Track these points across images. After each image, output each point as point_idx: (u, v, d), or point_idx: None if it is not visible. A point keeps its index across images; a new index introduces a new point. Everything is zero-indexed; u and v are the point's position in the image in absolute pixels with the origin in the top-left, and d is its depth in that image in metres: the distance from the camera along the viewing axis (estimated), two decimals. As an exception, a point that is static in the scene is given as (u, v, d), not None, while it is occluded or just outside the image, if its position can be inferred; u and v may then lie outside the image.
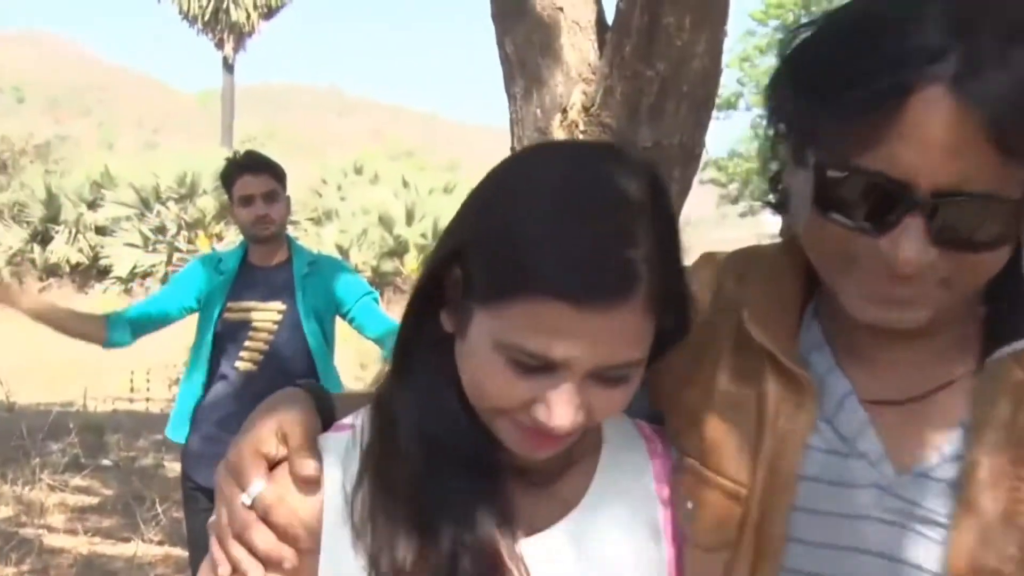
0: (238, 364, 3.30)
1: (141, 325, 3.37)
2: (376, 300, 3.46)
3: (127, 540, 5.45)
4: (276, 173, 3.38)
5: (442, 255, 0.96)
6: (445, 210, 24.68)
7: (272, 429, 1.00)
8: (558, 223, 0.85)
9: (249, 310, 3.31)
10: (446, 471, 0.94)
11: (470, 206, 0.97)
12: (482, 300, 0.89)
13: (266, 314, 3.31)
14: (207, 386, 3.37)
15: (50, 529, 5.64)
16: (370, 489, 0.95)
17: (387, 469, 0.96)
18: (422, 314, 0.97)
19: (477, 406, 0.93)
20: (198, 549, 3.36)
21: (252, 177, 3.31)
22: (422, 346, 0.98)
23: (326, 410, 1.04)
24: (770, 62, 23.69)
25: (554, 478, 1.01)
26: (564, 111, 2.51)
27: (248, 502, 0.96)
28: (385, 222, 24.07)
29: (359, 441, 0.99)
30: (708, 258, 1.14)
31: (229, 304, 3.32)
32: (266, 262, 3.39)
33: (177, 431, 3.42)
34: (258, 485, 0.96)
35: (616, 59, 2.41)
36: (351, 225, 23.87)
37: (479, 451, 0.95)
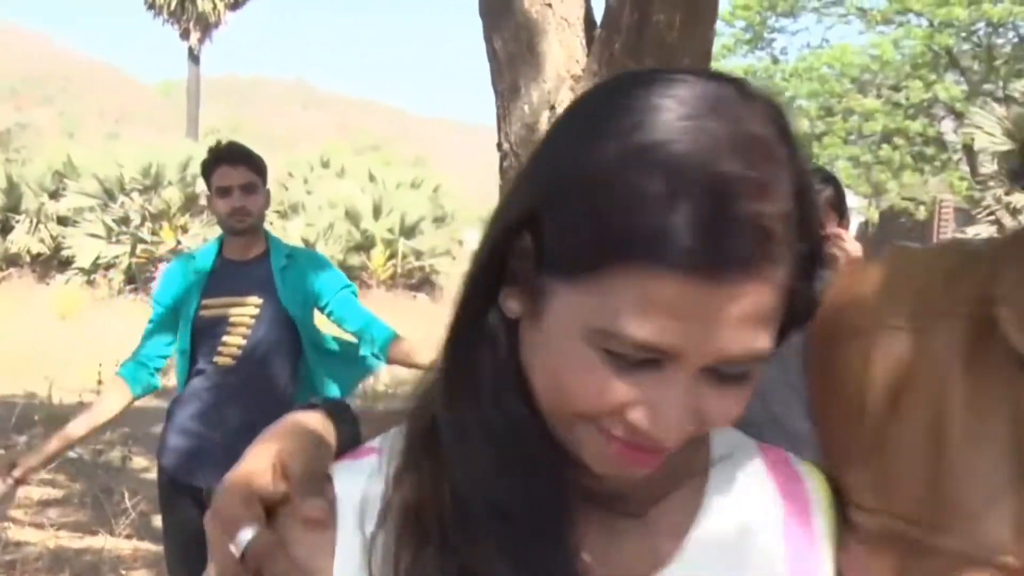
0: (216, 359, 3.25)
1: (155, 359, 3.32)
2: (354, 293, 3.43)
3: (95, 534, 5.38)
4: (256, 165, 3.33)
5: (508, 220, 0.74)
6: (412, 205, 24.65)
7: (268, 462, 0.81)
8: (677, 170, 0.65)
9: (226, 305, 3.26)
10: (510, 504, 0.73)
11: (548, 153, 0.74)
12: (566, 273, 0.69)
13: (243, 309, 3.26)
14: (185, 382, 3.33)
15: (15, 522, 5.56)
16: (395, 531, 0.75)
17: (420, 505, 0.75)
18: (482, 298, 0.77)
19: (553, 411, 0.73)
20: (173, 543, 3.33)
21: (230, 168, 3.25)
22: (482, 340, 0.76)
23: (348, 432, 0.85)
24: (737, 61, 23.84)
25: (649, 508, 0.78)
26: (552, 108, 2.51)
27: (237, 553, 0.76)
28: (352, 216, 23.97)
29: (385, 470, 0.78)
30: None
31: (205, 300, 3.27)
32: (242, 256, 3.33)
33: None
34: (247, 532, 0.76)
35: (605, 56, 2.42)
36: (317, 219, 23.74)
37: (553, 475, 0.74)
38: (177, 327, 3.32)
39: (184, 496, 3.24)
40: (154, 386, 3.33)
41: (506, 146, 2.64)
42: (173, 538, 3.32)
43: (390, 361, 3.35)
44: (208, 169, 3.31)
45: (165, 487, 3.32)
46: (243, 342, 3.23)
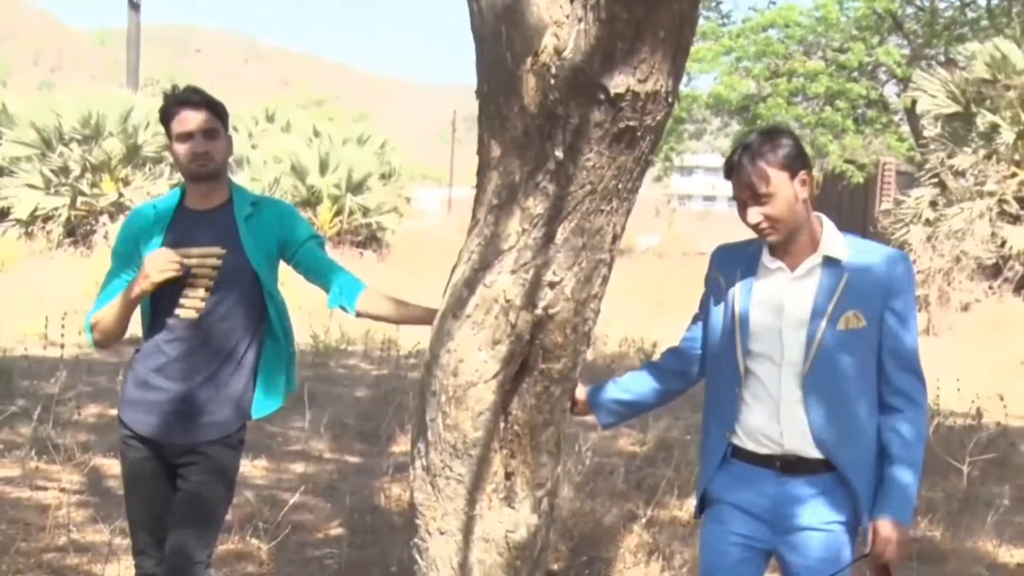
0: (178, 312, 3.14)
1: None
2: (322, 244, 3.33)
3: (43, 489, 5.27)
4: (218, 110, 3.20)
5: None
6: (358, 161, 24.35)
7: None
8: None
9: (186, 256, 3.12)
10: None
11: None
12: None
13: (205, 260, 3.14)
14: (145, 337, 3.23)
15: (-40, 477, 5.43)
16: None
17: None
18: None
19: None
20: (133, 496, 3.26)
21: (192, 112, 3.12)
22: None
23: None
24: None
25: None
26: (536, 54, 2.44)
27: None
28: (298, 171, 23.64)
29: None
30: None
31: None
32: (204, 205, 3.20)
33: None
34: None
35: (591, 0, 2.35)
36: (263, 173, 23.36)
37: None
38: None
39: (144, 449, 3.19)
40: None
41: (485, 92, 2.56)
42: (133, 491, 3.25)
43: (359, 314, 3.25)
44: (167, 113, 3.16)
45: (125, 440, 3.23)
46: (206, 294, 3.13)
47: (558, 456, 2.87)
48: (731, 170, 2.66)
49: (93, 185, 19.83)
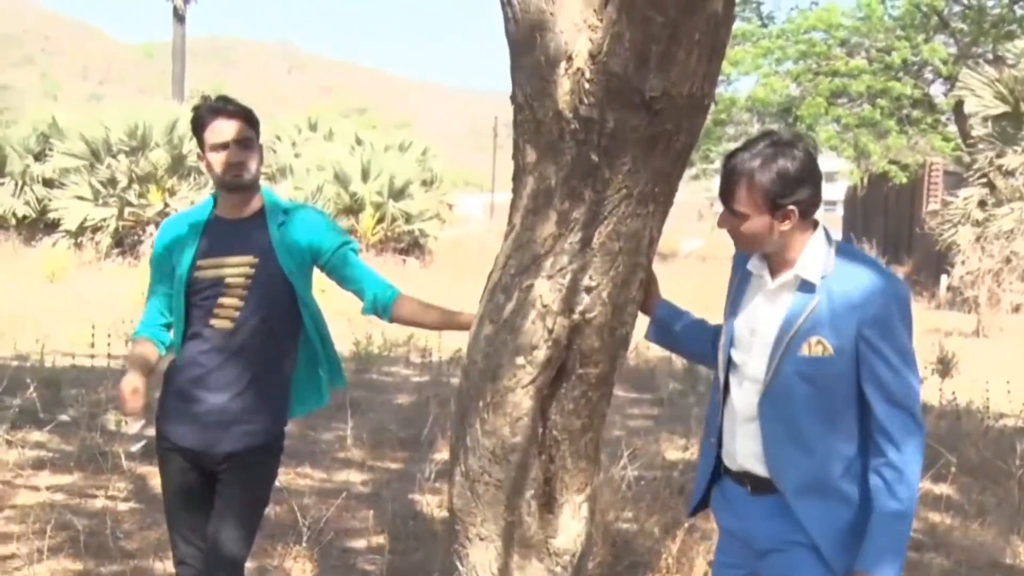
0: (213, 322, 3.13)
1: (162, 322, 3.27)
2: (355, 251, 3.30)
3: (92, 496, 5.34)
4: (251, 119, 3.18)
5: None
6: (400, 168, 24.48)
7: None
8: None
9: (221, 266, 3.12)
10: None
11: None
12: None
13: (239, 269, 3.12)
14: (180, 348, 3.23)
15: (11, 486, 5.51)
16: None
17: None
18: None
19: None
20: (173, 507, 3.26)
21: (226, 121, 3.09)
22: None
23: None
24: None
25: None
26: (569, 59, 2.44)
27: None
28: (340, 179, 23.81)
29: None
30: None
31: (199, 261, 3.14)
32: (238, 214, 3.18)
33: None
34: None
35: (625, 4, 2.34)
36: (306, 182, 23.58)
37: None
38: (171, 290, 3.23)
39: (184, 460, 3.19)
40: (171, 343, 3.27)
41: (520, 98, 2.57)
42: (174, 502, 3.26)
43: (394, 320, 3.24)
44: (200, 123, 3.13)
45: (164, 453, 3.24)
46: (240, 304, 3.11)
47: (597, 461, 2.85)
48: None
49: (140, 196, 20.14)
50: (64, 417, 6.74)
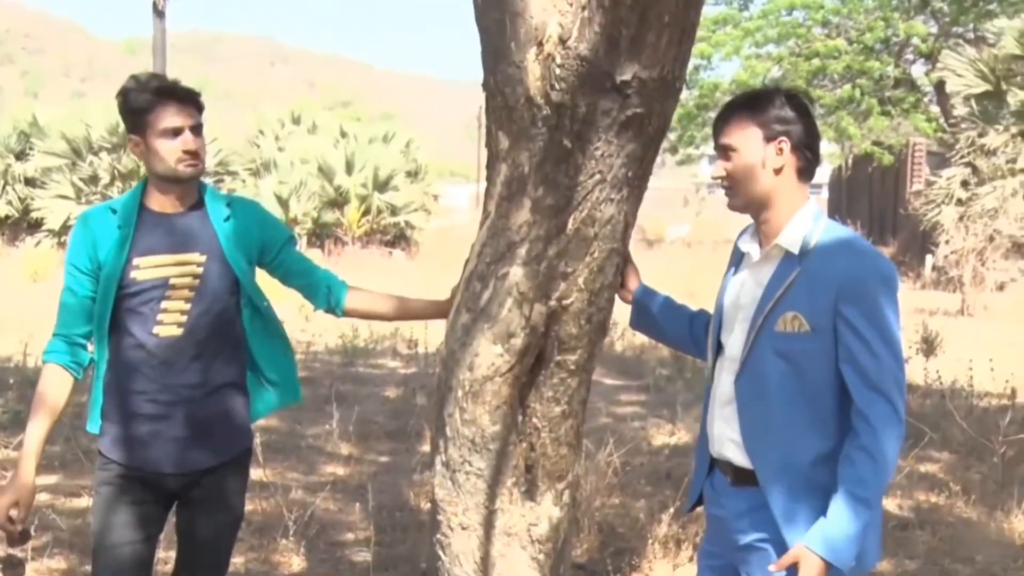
0: (157, 330, 2.78)
1: (83, 332, 2.84)
2: (296, 243, 3.10)
3: (77, 495, 5.32)
4: (201, 105, 2.86)
5: None
6: (384, 160, 24.44)
7: None
8: None
9: (163, 265, 2.78)
10: None
11: None
12: None
13: (185, 268, 2.80)
14: (109, 359, 2.82)
15: (-5, 486, 5.48)
16: None
17: None
18: None
19: None
20: (116, 544, 2.81)
21: (180, 107, 2.77)
22: None
23: None
24: (707, 10, 23.62)
25: None
26: (540, 44, 2.42)
27: None
28: (325, 172, 23.77)
29: None
30: None
31: (136, 260, 2.77)
32: (175, 208, 2.84)
33: (97, 423, 2.88)
34: None
35: (594, -11, 2.32)
36: (290, 176, 23.52)
37: None
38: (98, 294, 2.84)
39: (142, 487, 2.84)
40: (90, 360, 2.86)
41: (492, 85, 2.55)
42: (119, 539, 2.82)
43: (347, 313, 3.06)
44: (147, 107, 2.76)
45: (114, 482, 2.83)
46: (187, 307, 2.80)
47: (578, 448, 2.85)
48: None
49: (122, 193, 20.04)
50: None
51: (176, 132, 2.76)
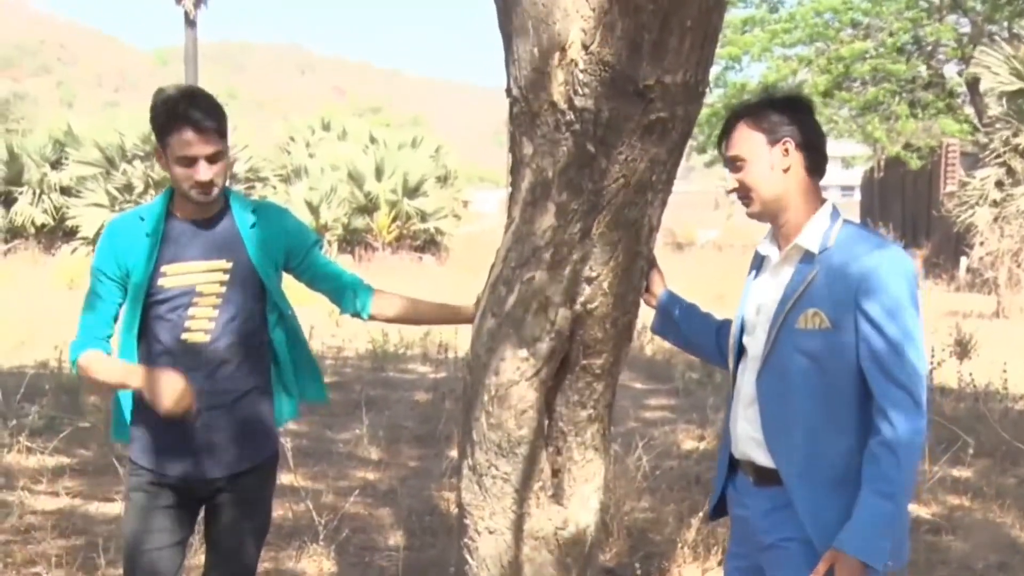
0: (185, 336, 2.81)
1: (104, 337, 2.87)
2: (322, 247, 3.12)
3: (111, 500, 5.38)
4: (223, 129, 2.79)
5: None
6: (414, 165, 24.52)
7: None
8: None
9: (190, 272, 2.81)
10: None
11: None
12: None
13: (211, 275, 2.83)
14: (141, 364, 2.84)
15: (31, 492, 5.56)
16: None
17: None
18: None
19: None
20: (148, 549, 2.88)
21: (196, 135, 2.71)
22: None
23: None
24: (736, 12, 23.52)
25: None
26: (563, 49, 2.43)
27: None
28: (355, 178, 23.88)
29: None
30: None
31: (163, 268, 2.80)
32: (200, 215, 2.85)
33: (123, 431, 2.94)
34: None
35: (616, -7, 2.33)
36: (320, 182, 23.67)
37: None
38: (121, 303, 2.87)
39: (168, 493, 2.88)
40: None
41: (515, 91, 2.56)
42: (150, 539, 2.87)
43: (373, 317, 3.06)
44: (167, 129, 2.74)
45: (145, 488, 2.87)
46: (214, 313, 2.83)
47: (606, 452, 2.85)
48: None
49: (155, 201, 20.24)
50: (83, 424, 6.78)
51: (190, 161, 2.74)
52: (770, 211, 2.46)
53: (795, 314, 2.35)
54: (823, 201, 2.46)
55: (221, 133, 2.78)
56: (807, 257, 2.39)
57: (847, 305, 2.28)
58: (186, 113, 2.72)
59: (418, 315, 3.15)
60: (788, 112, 2.43)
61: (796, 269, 2.40)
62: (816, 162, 2.44)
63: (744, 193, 2.47)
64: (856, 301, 2.27)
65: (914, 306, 2.29)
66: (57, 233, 21.85)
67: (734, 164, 2.46)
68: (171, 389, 2.72)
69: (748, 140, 2.43)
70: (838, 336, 2.30)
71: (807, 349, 2.34)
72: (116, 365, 2.83)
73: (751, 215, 2.51)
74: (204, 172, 2.74)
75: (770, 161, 2.41)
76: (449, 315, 3.11)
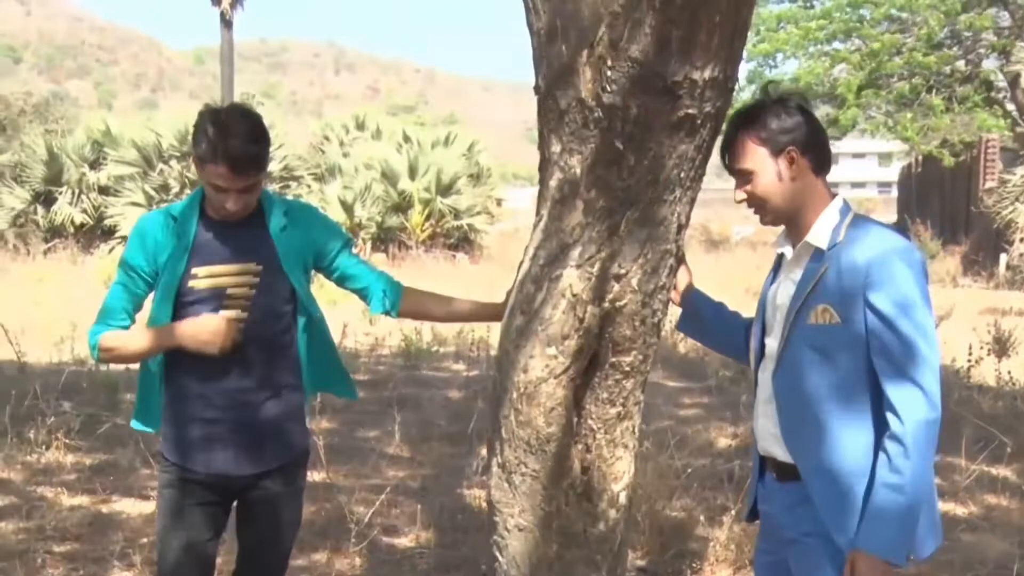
0: None
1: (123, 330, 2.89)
2: (353, 246, 3.13)
3: (146, 498, 5.44)
4: (263, 159, 2.78)
5: None
6: (447, 164, 24.55)
7: None
8: None
9: (220, 275, 2.83)
10: None
11: None
12: None
13: (242, 278, 2.85)
14: (167, 364, 2.89)
15: (68, 488, 5.63)
16: None
17: None
18: None
19: None
20: (184, 544, 2.91)
21: (232, 174, 2.71)
22: None
23: None
24: (771, 8, 23.33)
25: None
26: (591, 46, 2.42)
27: None
28: (388, 177, 23.95)
29: None
30: None
31: (194, 269, 2.82)
32: (233, 216, 2.85)
33: (146, 418, 3.00)
34: None
35: (644, -11, 2.32)
36: (355, 181, 23.75)
37: None
38: (145, 297, 2.90)
39: (199, 489, 2.91)
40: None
41: (543, 88, 2.55)
42: (186, 540, 2.92)
43: (402, 314, 3.06)
44: (204, 156, 2.73)
45: (176, 484, 2.91)
46: (243, 315, 2.85)
47: (634, 449, 2.84)
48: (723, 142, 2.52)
49: (192, 200, 20.43)
50: (120, 421, 6.86)
51: (223, 191, 2.76)
52: (783, 218, 2.49)
53: (806, 311, 2.37)
54: (833, 196, 2.47)
55: (260, 165, 2.78)
56: (817, 253, 2.40)
57: (856, 299, 2.28)
58: (226, 151, 2.69)
59: (449, 312, 3.15)
60: (785, 115, 2.43)
61: (807, 266, 2.42)
62: (821, 160, 2.45)
63: (756, 205, 2.48)
64: (864, 295, 2.27)
65: (923, 299, 2.28)
66: (95, 232, 22.10)
67: (741, 176, 2.47)
68: (213, 330, 2.77)
69: (752, 154, 2.44)
70: (848, 331, 2.30)
71: (819, 345, 2.34)
72: (144, 332, 2.83)
73: (764, 223, 2.53)
74: (234, 203, 2.77)
75: (777, 171, 2.42)
76: (480, 312, 3.11)
